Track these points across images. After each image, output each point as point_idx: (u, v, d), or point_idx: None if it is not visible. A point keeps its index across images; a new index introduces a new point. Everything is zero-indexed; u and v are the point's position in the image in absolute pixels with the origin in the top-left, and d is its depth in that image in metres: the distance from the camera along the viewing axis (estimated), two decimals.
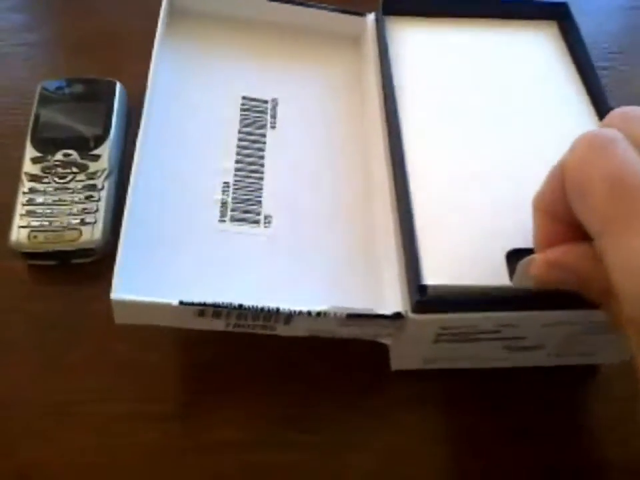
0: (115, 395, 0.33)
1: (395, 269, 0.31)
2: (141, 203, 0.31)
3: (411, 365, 0.35)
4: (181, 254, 0.32)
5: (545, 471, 0.33)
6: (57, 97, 0.42)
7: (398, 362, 0.34)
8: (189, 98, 0.37)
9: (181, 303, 0.28)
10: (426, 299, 0.29)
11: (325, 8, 0.41)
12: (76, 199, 0.37)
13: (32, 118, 0.40)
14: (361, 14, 0.42)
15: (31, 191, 0.38)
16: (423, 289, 0.30)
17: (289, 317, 0.29)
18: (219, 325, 0.29)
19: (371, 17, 0.41)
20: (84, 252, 0.37)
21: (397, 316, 0.29)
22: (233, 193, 0.34)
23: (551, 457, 0.33)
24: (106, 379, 0.34)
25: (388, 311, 0.30)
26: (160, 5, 0.38)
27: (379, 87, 0.37)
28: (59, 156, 0.39)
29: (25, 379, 0.34)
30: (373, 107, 0.37)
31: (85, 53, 0.48)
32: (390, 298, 0.31)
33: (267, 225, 0.34)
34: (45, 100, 0.41)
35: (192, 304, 0.28)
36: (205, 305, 0.28)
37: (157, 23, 0.37)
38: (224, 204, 0.34)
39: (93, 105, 0.41)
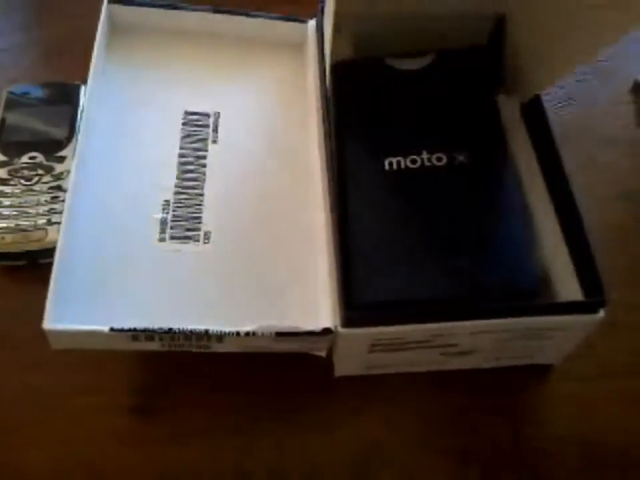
0: (84, 388, 0.35)
1: (328, 286, 0.32)
2: (77, 222, 0.32)
3: (353, 372, 0.36)
4: (118, 277, 0.32)
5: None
6: (22, 101, 0.43)
7: (340, 369, 0.35)
8: (130, 113, 0.38)
9: (112, 329, 0.29)
10: (354, 313, 0.30)
11: (266, 17, 0.41)
12: (42, 200, 0.39)
13: None
14: (303, 20, 0.42)
15: None
16: (351, 304, 0.31)
17: (220, 337, 0.30)
18: (154, 346, 0.30)
19: (312, 23, 0.42)
20: (51, 251, 0.37)
21: (326, 331, 0.30)
22: (173, 210, 0.35)
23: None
24: (76, 374, 0.35)
25: (320, 326, 0.30)
26: None
27: (318, 97, 0.38)
28: (24, 159, 0.40)
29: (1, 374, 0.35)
30: (313, 118, 0.38)
31: (50, 58, 0.49)
32: (323, 313, 0.31)
33: (206, 241, 0.35)
34: (11, 104, 0.42)
35: (123, 330, 0.29)
36: (135, 330, 0.29)
37: None
38: (164, 222, 0.35)
39: (58, 108, 0.42)
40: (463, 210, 0.33)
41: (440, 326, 0.31)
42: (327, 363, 0.35)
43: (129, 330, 0.29)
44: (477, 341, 0.33)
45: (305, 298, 0.33)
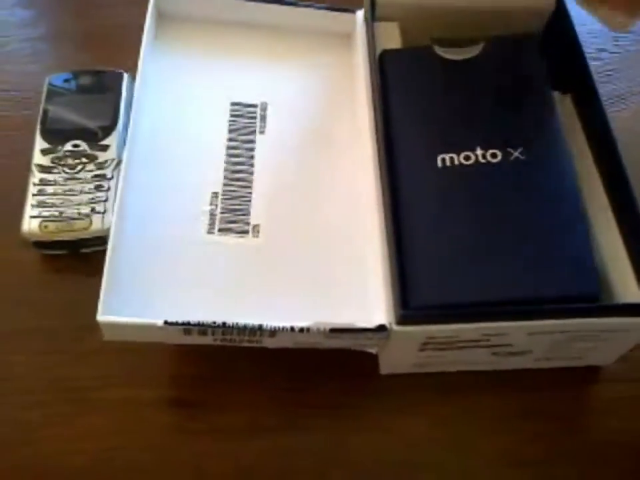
0: (125, 380, 0.35)
1: (382, 282, 0.31)
2: (128, 218, 0.32)
3: (399, 370, 0.35)
4: (169, 269, 0.32)
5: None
6: (64, 90, 0.42)
7: (387, 367, 0.35)
8: (178, 106, 0.37)
9: (166, 322, 0.28)
10: (410, 311, 0.30)
11: (313, 6, 0.41)
12: (86, 189, 0.38)
13: (41, 111, 0.41)
14: (351, 10, 0.41)
15: (42, 181, 0.38)
16: (407, 302, 0.30)
17: (273, 332, 0.29)
18: (206, 340, 0.30)
19: (360, 13, 0.41)
20: (94, 240, 0.37)
21: (381, 328, 0.30)
22: (222, 203, 0.35)
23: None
24: (116, 366, 0.35)
25: (373, 323, 0.30)
26: None
27: (368, 87, 0.37)
28: (68, 147, 0.39)
29: (36, 367, 0.35)
30: (363, 110, 0.37)
31: (91, 46, 0.48)
32: (376, 310, 0.31)
33: (255, 234, 0.34)
34: (52, 93, 0.42)
35: (176, 324, 0.28)
36: (189, 324, 0.28)
37: None
38: (212, 215, 0.34)
39: (100, 96, 0.42)
40: (520, 210, 0.32)
41: (497, 325, 0.30)
42: (372, 360, 0.34)
43: (183, 324, 0.28)
44: (532, 341, 0.32)
45: (358, 294, 0.32)
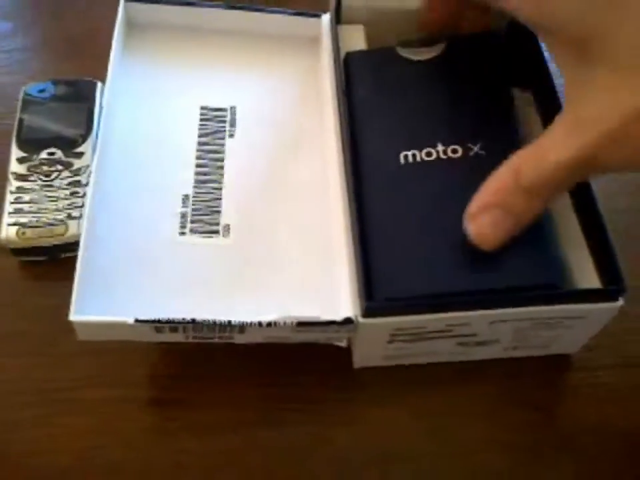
0: (104, 381, 0.36)
1: (348, 277, 0.32)
2: (99, 219, 0.32)
3: (371, 363, 0.36)
4: (141, 269, 0.33)
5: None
6: (39, 99, 0.43)
7: (359, 360, 0.36)
8: (147, 110, 0.38)
9: (137, 320, 0.29)
10: (374, 303, 0.31)
11: (280, 12, 0.41)
12: (61, 195, 0.39)
13: (16, 120, 0.42)
14: (317, 15, 0.42)
15: (18, 189, 0.39)
16: (372, 295, 0.31)
17: (242, 327, 0.30)
18: (178, 337, 0.31)
19: (326, 17, 0.42)
20: (72, 246, 0.38)
21: (347, 321, 0.31)
22: (193, 204, 0.36)
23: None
24: (95, 367, 0.36)
25: (340, 316, 0.31)
26: None
27: (333, 89, 0.38)
28: (43, 155, 0.40)
29: (17, 370, 0.36)
30: (329, 111, 0.38)
31: (66, 57, 0.49)
32: (343, 304, 0.32)
33: (225, 234, 0.35)
34: (28, 102, 0.43)
35: (147, 321, 0.29)
36: (159, 321, 0.29)
37: None
38: (184, 216, 0.35)
39: (74, 104, 0.42)
40: None
41: (459, 315, 0.31)
42: (347, 355, 0.35)
43: (153, 321, 0.29)
44: (495, 330, 0.33)
45: (326, 289, 0.33)
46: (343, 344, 0.33)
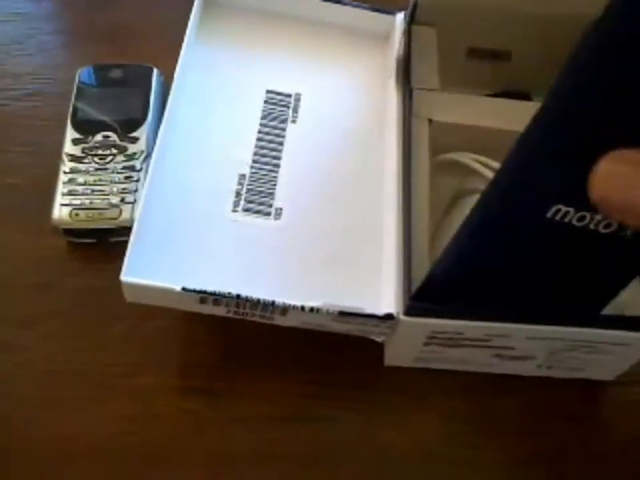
0: (149, 369, 0.36)
1: (394, 273, 0.32)
2: (158, 189, 0.33)
3: (403, 363, 0.36)
4: (192, 241, 0.34)
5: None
6: (94, 83, 0.44)
7: (391, 359, 0.36)
8: (215, 89, 0.39)
9: (184, 289, 0.30)
10: (417, 303, 0.31)
11: (355, 5, 0.42)
12: (115, 179, 0.39)
13: (72, 101, 0.42)
14: (391, 12, 0.42)
15: (72, 170, 0.40)
16: (415, 295, 0.31)
17: (285, 309, 0.31)
18: (219, 311, 0.32)
19: (400, 15, 0.42)
20: (123, 230, 0.38)
21: (388, 317, 0.31)
22: (248, 184, 0.36)
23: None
24: (138, 354, 0.36)
25: (381, 311, 0.31)
26: None
27: (398, 89, 0.38)
28: (98, 138, 0.41)
29: (59, 351, 0.36)
30: (392, 108, 0.38)
31: (117, 41, 0.49)
32: (386, 299, 0.32)
33: (277, 217, 0.35)
34: (83, 85, 0.43)
35: (193, 291, 0.30)
36: (205, 292, 0.30)
37: (186, 14, 0.38)
38: (238, 194, 0.36)
39: (130, 89, 0.43)
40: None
41: (498, 325, 0.31)
42: (377, 352, 0.35)
43: (199, 292, 0.30)
44: (531, 346, 0.33)
45: (372, 283, 0.33)
46: (380, 339, 0.33)
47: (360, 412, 0.36)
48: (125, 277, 0.30)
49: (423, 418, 0.36)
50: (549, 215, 0.25)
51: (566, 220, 0.25)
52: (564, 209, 0.25)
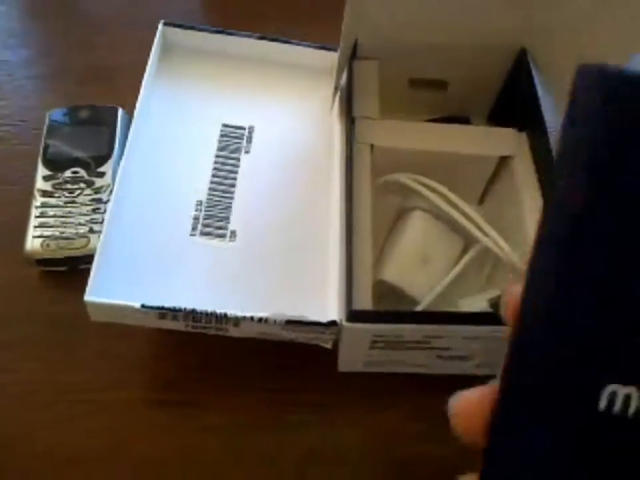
0: (121, 385, 0.39)
1: (337, 283, 0.35)
2: (120, 216, 0.36)
3: (355, 368, 0.39)
4: (153, 262, 0.37)
5: None
6: (64, 122, 0.47)
7: (344, 365, 0.39)
8: (174, 123, 0.42)
9: (143, 306, 0.33)
10: (358, 310, 0.34)
11: (301, 44, 0.46)
12: (84, 211, 0.43)
13: (42, 141, 0.46)
14: (335, 49, 0.46)
15: (43, 205, 0.43)
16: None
17: (237, 320, 0.33)
18: (179, 325, 0.34)
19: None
20: (91, 258, 0.41)
21: (332, 323, 0.34)
22: (205, 210, 0.39)
23: None
24: (112, 372, 0.39)
25: (327, 318, 0.34)
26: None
27: (341, 118, 0.42)
28: (68, 174, 0.44)
29: (37, 373, 0.39)
30: (337, 137, 0.42)
31: (88, 84, 0.53)
32: (331, 308, 0.35)
33: (232, 239, 0.39)
34: (53, 125, 0.47)
35: (152, 307, 0.33)
36: (163, 308, 0.33)
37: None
38: (196, 219, 0.39)
39: (97, 128, 0.47)
40: None
41: (435, 327, 0.34)
42: (334, 360, 0.38)
43: (158, 308, 0.33)
44: (468, 346, 0.36)
45: (317, 294, 0.36)
46: (328, 345, 0.36)
47: (321, 416, 0.38)
48: (88, 297, 0.32)
49: (380, 418, 0.38)
50: (601, 406, 0.16)
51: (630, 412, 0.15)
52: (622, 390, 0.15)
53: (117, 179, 0.37)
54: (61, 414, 0.38)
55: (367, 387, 0.39)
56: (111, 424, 0.37)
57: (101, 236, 0.35)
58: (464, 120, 0.49)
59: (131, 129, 0.39)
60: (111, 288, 0.33)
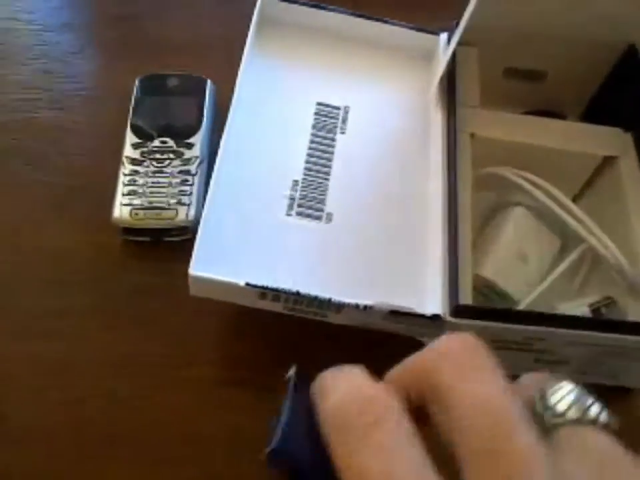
0: (196, 360, 0.38)
1: (440, 276, 0.34)
2: (220, 193, 0.35)
3: None
4: (251, 242, 0.36)
5: None
6: (153, 90, 0.46)
7: None
8: (270, 101, 0.41)
9: (247, 284, 0.32)
10: (464, 305, 0.33)
11: (400, 25, 0.44)
12: (172, 182, 0.41)
13: (131, 108, 0.45)
14: (435, 32, 0.44)
15: (132, 172, 0.42)
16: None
17: (340, 307, 0.32)
18: (276, 307, 0.34)
19: (444, 36, 0.44)
20: (177, 230, 0.41)
21: (435, 317, 0.33)
22: (301, 190, 0.38)
23: None
24: (187, 347, 0.38)
25: (428, 311, 0.33)
26: (238, 13, 0.42)
27: (443, 105, 0.40)
28: (156, 142, 0.43)
29: (113, 343, 0.38)
30: (436, 123, 0.40)
31: (176, 54, 0.51)
32: (431, 300, 0.34)
33: (327, 221, 0.38)
34: (142, 92, 0.46)
35: (256, 286, 0.32)
36: (266, 288, 0.32)
37: (236, 29, 0.41)
38: (292, 199, 0.38)
39: (186, 98, 0.45)
40: None
41: (539, 329, 0.33)
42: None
43: (261, 287, 0.32)
44: (569, 351, 0.35)
45: (417, 286, 0.35)
46: (424, 339, 0.35)
47: None
48: (192, 271, 0.32)
49: None
50: None
51: None
52: None
53: (219, 155, 0.36)
54: (128, 389, 0.37)
55: None
56: (184, 401, 0.37)
57: (204, 210, 0.34)
58: (558, 115, 0.47)
59: (232, 104, 0.38)
60: (211, 263, 0.33)
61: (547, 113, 0.46)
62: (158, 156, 0.42)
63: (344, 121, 0.42)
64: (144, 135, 0.43)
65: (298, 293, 0.32)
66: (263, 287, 0.32)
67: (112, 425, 0.36)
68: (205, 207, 0.34)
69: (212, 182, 0.35)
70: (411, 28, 0.45)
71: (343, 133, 0.41)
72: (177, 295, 0.38)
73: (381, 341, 0.35)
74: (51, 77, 0.49)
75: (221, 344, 0.39)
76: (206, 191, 0.36)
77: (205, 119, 0.44)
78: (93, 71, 0.51)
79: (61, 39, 0.52)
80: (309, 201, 0.38)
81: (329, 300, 0.32)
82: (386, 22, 0.44)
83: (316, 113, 0.42)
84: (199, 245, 0.33)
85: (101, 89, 0.50)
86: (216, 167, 0.35)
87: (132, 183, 0.41)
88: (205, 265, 0.32)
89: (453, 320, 0.33)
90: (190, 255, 0.32)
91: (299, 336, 0.38)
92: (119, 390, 0.37)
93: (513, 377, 0.36)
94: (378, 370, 0.37)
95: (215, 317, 0.40)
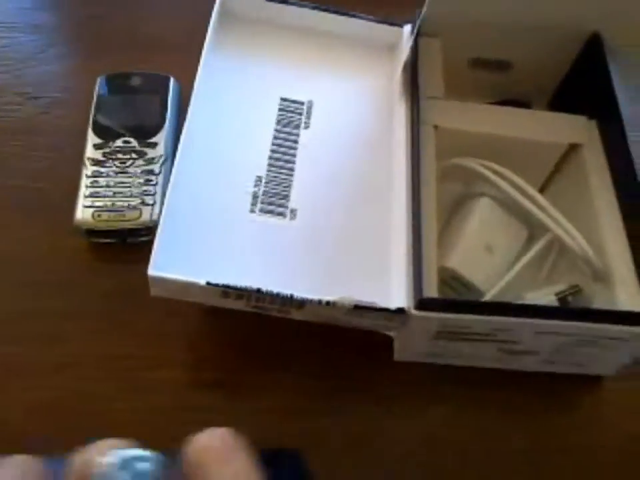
0: (165, 363, 0.37)
1: (404, 270, 0.34)
2: (180, 191, 0.35)
3: (411, 358, 0.38)
4: (213, 240, 0.35)
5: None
6: (115, 89, 0.45)
7: (400, 354, 0.38)
8: (232, 97, 0.41)
9: (208, 283, 0.31)
10: (428, 298, 0.32)
11: (362, 17, 0.44)
12: (135, 182, 0.41)
13: (93, 108, 0.44)
14: (398, 24, 0.44)
15: (94, 174, 0.41)
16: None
17: (302, 303, 0.32)
18: (239, 305, 0.33)
19: (407, 28, 0.44)
20: (142, 231, 0.40)
21: (400, 311, 0.32)
22: (264, 186, 0.38)
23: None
24: (157, 348, 0.38)
25: (392, 305, 0.33)
26: (204, 9, 0.42)
27: (406, 97, 0.40)
28: (118, 143, 0.42)
29: (84, 345, 0.38)
30: (399, 116, 0.40)
31: (137, 51, 0.50)
32: (396, 294, 0.34)
33: (292, 217, 0.37)
34: (104, 91, 0.45)
35: (217, 285, 0.31)
36: (228, 287, 0.31)
37: (201, 25, 0.40)
38: (255, 196, 0.37)
39: (149, 96, 0.45)
40: None
41: (507, 320, 0.33)
42: (387, 348, 0.37)
43: (222, 286, 0.31)
44: (537, 341, 0.35)
45: (379, 279, 0.35)
46: (392, 334, 0.35)
47: (370, 405, 0.37)
48: (152, 271, 0.31)
49: (433, 411, 0.37)
50: None
51: None
52: None
53: (178, 152, 0.35)
54: (108, 388, 0.37)
55: (423, 377, 0.38)
56: (155, 403, 0.36)
57: (163, 210, 0.34)
58: (525, 104, 0.47)
59: (191, 102, 0.37)
60: (172, 263, 0.32)
61: (513, 102, 0.46)
62: (120, 156, 0.42)
63: (308, 115, 0.41)
64: (106, 135, 0.43)
65: (259, 291, 0.32)
66: (224, 286, 0.32)
67: (82, 427, 0.35)
68: (164, 205, 0.34)
69: (171, 180, 0.34)
70: (374, 20, 0.44)
71: (307, 127, 0.41)
72: (144, 296, 0.37)
73: (349, 336, 0.35)
74: (15, 78, 0.49)
75: (191, 345, 0.39)
76: None
77: (168, 117, 0.43)
78: (57, 71, 0.50)
79: (26, 39, 0.52)
80: (273, 197, 0.38)
81: (291, 296, 0.32)
82: (349, 15, 0.44)
83: (280, 109, 0.41)
84: (158, 245, 0.32)
85: (66, 89, 0.49)
86: (175, 164, 0.35)
87: (94, 184, 0.41)
88: (164, 264, 0.32)
89: (418, 313, 0.33)
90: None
91: (268, 335, 0.38)
92: (90, 392, 0.37)
93: (477, 369, 0.37)
94: (351, 365, 0.37)
95: (184, 318, 0.39)
